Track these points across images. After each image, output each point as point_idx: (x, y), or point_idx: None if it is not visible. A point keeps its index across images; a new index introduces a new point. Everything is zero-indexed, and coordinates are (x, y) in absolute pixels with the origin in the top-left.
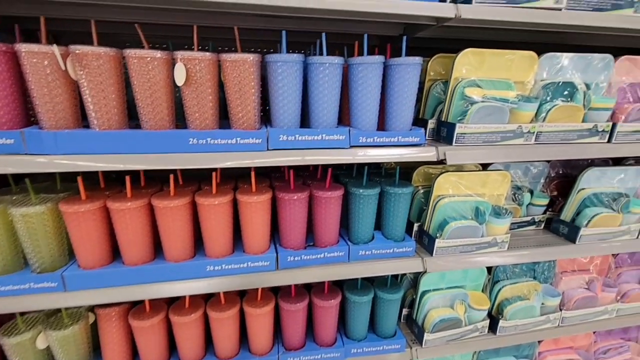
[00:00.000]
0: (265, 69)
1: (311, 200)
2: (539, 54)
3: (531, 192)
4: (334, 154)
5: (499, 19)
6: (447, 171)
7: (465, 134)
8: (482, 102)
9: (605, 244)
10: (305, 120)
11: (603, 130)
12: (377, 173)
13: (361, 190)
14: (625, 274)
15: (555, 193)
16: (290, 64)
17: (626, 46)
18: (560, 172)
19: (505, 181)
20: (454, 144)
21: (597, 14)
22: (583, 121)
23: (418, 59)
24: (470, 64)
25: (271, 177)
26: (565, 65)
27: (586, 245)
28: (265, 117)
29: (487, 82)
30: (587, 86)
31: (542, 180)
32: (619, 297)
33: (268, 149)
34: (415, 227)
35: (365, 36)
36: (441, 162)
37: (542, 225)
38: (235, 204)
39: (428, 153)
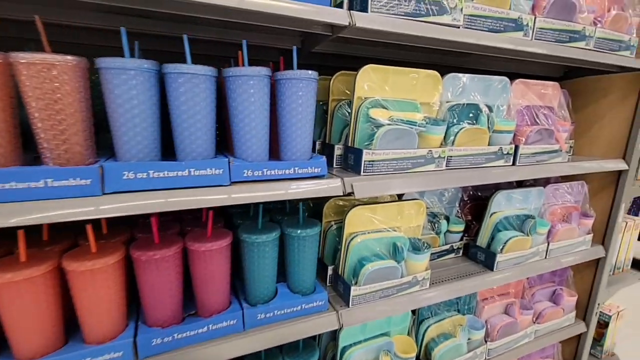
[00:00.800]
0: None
1: (188, 255)
2: (443, 75)
3: (447, 218)
4: (209, 193)
5: (396, 30)
6: (358, 204)
7: (374, 161)
8: (389, 124)
9: (521, 268)
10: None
11: (508, 153)
12: (280, 209)
13: (254, 237)
14: (538, 293)
15: (469, 217)
16: (134, 72)
17: (521, 72)
18: (472, 194)
19: (421, 211)
20: (362, 173)
21: (492, 34)
22: (489, 144)
23: (312, 73)
24: (372, 82)
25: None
26: (468, 86)
27: (504, 272)
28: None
29: (393, 102)
30: (489, 108)
31: (457, 205)
32: (535, 318)
33: (104, 193)
34: (330, 270)
35: (244, 43)
36: (350, 194)
37: (461, 252)
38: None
39: (332, 185)
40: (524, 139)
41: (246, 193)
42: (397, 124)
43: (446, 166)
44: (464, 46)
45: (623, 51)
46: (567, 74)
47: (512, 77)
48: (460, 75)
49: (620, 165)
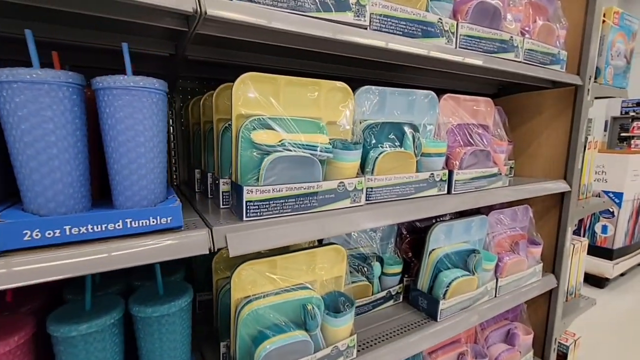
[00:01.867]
0: None
1: None
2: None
3: (381, 259)
4: None
5: (268, 24)
6: (251, 259)
7: (260, 201)
8: (278, 151)
9: (469, 313)
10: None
11: (441, 180)
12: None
13: (66, 329)
14: (492, 335)
15: (409, 254)
16: (47, 87)
17: (453, 88)
18: (410, 227)
19: (340, 257)
20: (244, 218)
21: (408, 39)
22: (417, 170)
23: (150, 81)
24: (257, 96)
25: None
26: (388, 101)
27: (450, 320)
28: None
29: (288, 122)
30: (415, 128)
31: (392, 241)
32: None
33: None
34: (223, 348)
35: (125, 46)
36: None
37: (401, 296)
38: None
39: (190, 241)
40: (457, 163)
41: (27, 266)
42: (289, 150)
43: (366, 200)
44: (372, 52)
45: (554, 65)
46: (502, 90)
47: (443, 93)
48: (376, 88)
49: (562, 186)
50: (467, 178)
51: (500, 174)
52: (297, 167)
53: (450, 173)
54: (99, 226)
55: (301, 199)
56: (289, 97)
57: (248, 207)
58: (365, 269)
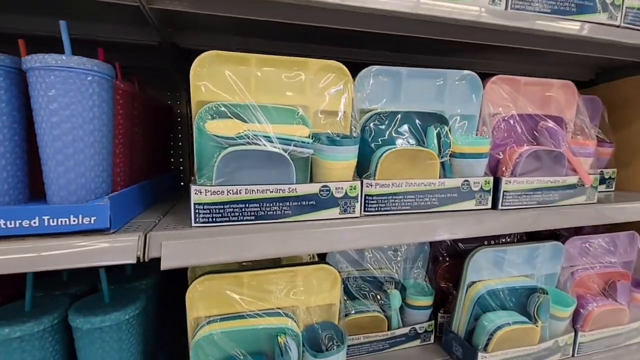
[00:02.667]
0: None
1: None
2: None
3: (403, 287)
4: None
5: None
6: (215, 271)
7: (212, 204)
8: (235, 145)
9: None
10: None
11: (481, 190)
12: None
13: None
14: None
15: (447, 283)
16: None
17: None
18: (449, 246)
19: (332, 280)
20: (193, 223)
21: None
22: (443, 176)
23: (80, 61)
24: (217, 77)
25: None
26: (405, 88)
27: None
28: None
29: (264, 110)
30: (442, 120)
31: (422, 264)
32: None
33: None
34: None
35: (63, 25)
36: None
37: (432, 336)
38: None
39: (116, 245)
40: (509, 167)
41: None
42: (252, 144)
43: (364, 211)
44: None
45: None
46: (600, 76)
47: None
48: (386, 68)
49: None
50: (524, 189)
51: (583, 185)
52: (264, 165)
53: (497, 181)
54: (12, 222)
55: (268, 204)
56: (264, 81)
57: (197, 211)
58: (380, 298)
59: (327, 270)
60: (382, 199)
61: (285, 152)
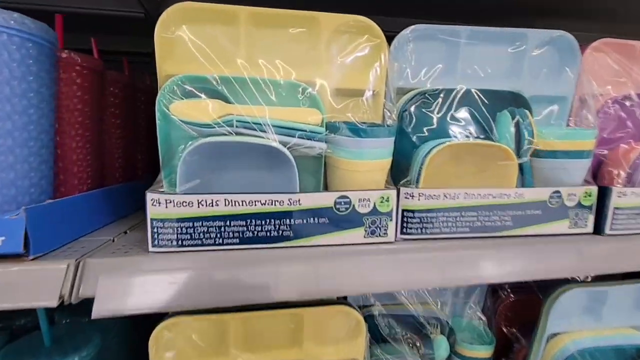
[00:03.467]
0: None
1: None
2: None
3: (451, 330)
4: None
5: None
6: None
7: (177, 220)
8: (211, 134)
9: None
10: None
11: (579, 205)
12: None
13: None
14: None
15: (511, 327)
16: None
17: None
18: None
19: (353, 327)
20: (150, 247)
21: None
22: (523, 184)
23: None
24: (193, 41)
25: None
26: (463, 57)
27: None
28: None
29: (252, 84)
30: (520, 102)
31: (477, 300)
32: None
33: None
34: None
35: None
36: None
37: None
38: None
39: (30, 278)
40: (622, 172)
41: None
42: (238, 134)
43: (401, 234)
44: None
45: None
46: None
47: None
48: (438, 28)
49: None
50: None
51: None
52: (255, 165)
53: (604, 192)
54: None
55: (259, 222)
56: (259, 46)
57: (155, 230)
58: (419, 345)
59: (347, 313)
60: (428, 217)
61: (285, 146)
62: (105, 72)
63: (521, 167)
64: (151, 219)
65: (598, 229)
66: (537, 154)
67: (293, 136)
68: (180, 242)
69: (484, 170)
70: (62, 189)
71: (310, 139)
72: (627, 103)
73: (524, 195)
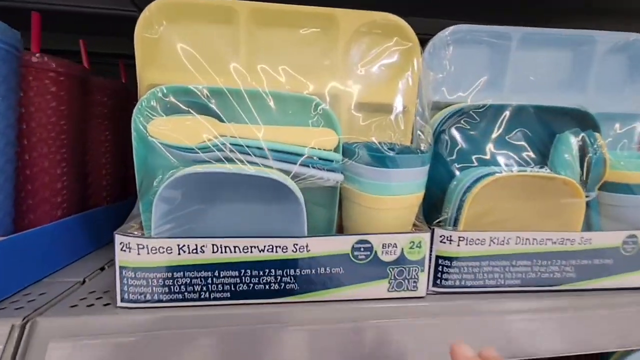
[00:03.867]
0: None
1: None
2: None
3: None
4: None
5: None
6: None
7: (151, 269)
8: (205, 163)
9: None
10: None
11: None
12: None
13: None
14: None
15: None
16: None
17: None
18: None
19: None
20: (119, 302)
21: None
22: (589, 227)
23: None
24: (182, 45)
25: None
26: (514, 64)
27: None
28: None
29: (250, 98)
30: (588, 121)
31: None
32: None
33: None
34: None
35: None
36: None
37: None
38: None
39: None
40: None
41: None
42: (229, 160)
43: (434, 285)
44: None
45: None
46: None
47: None
48: (484, 30)
49: None
50: None
51: None
52: (251, 200)
53: None
54: None
55: (255, 272)
56: (262, 50)
57: (126, 281)
58: None
59: None
60: (471, 267)
61: (290, 176)
62: (89, 79)
63: (588, 204)
64: (120, 267)
65: None
66: (606, 187)
67: (293, 162)
68: (156, 297)
69: (540, 210)
70: (31, 217)
71: (322, 168)
72: None
73: (592, 240)
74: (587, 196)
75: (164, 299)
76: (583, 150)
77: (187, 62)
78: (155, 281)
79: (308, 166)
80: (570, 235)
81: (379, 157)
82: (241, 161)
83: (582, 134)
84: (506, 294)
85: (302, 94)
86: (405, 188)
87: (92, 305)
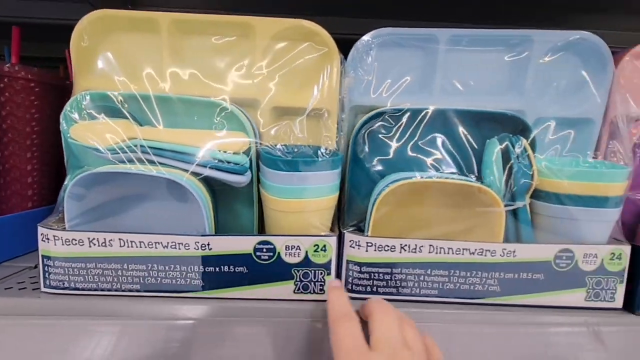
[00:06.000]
0: None
1: None
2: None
3: None
4: None
5: None
6: None
7: (66, 259)
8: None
9: None
10: None
11: (602, 270)
12: None
13: None
14: None
15: None
16: None
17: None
18: None
19: None
20: (43, 287)
21: None
22: (518, 239)
23: None
24: (113, 53)
25: None
26: (441, 65)
27: None
28: None
29: (161, 102)
30: (517, 125)
31: None
32: None
33: None
34: None
35: None
36: None
37: None
38: None
39: None
40: None
41: None
42: (140, 161)
43: (353, 289)
44: None
45: None
46: None
47: None
48: (410, 33)
49: None
50: None
51: None
52: (160, 199)
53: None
54: None
55: (162, 267)
56: (185, 57)
57: (46, 269)
58: None
59: None
60: (380, 273)
61: (202, 177)
62: (65, 85)
63: (515, 214)
64: (42, 256)
65: (629, 306)
66: (539, 195)
67: (189, 162)
68: (73, 285)
69: (465, 218)
70: (3, 207)
71: (229, 171)
72: None
73: (516, 252)
74: (509, 205)
75: (80, 287)
76: (507, 156)
77: (118, 70)
78: (71, 270)
79: (205, 167)
80: (490, 246)
81: (276, 160)
82: (152, 162)
83: (508, 140)
84: (422, 303)
85: (208, 99)
86: (309, 191)
87: (24, 288)
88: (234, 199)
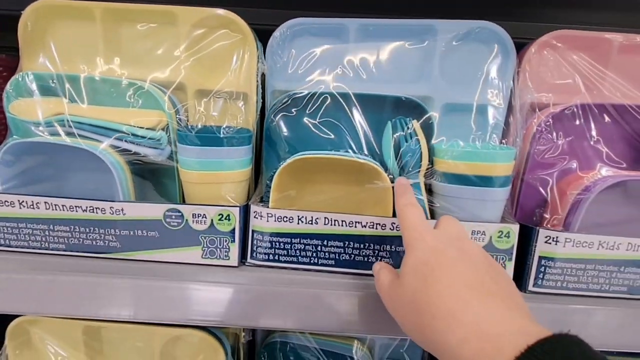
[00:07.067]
0: None
1: None
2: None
3: None
4: None
5: None
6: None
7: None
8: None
9: None
10: None
11: (491, 247)
12: None
13: None
14: None
15: None
16: None
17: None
18: None
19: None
20: None
21: None
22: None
23: None
24: (56, 40)
25: None
26: (351, 53)
27: None
28: None
29: (87, 83)
30: (414, 108)
31: None
32: None
33: None
34: None
35: None
36: None
37: None
38: None
39: None
40: (562, 210)
41: None
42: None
43: (250, 259)
44: None
45: None
46: None
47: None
48: (321, 23)
49: None
50: (588, 257)
51: None
52: (80, 169)
53: (529, 233)
54: None
55: (83, 229)
56: (119, 44)
57: None
58: None
59: (209, 344)
60: (281, 242)
61: (120, 150)
62: None
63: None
64: None
65: (518, 284)
66: (436, 176)
67: (107, 136)
68: (14, 243)
69: (361, 195)
70: None
71: (144, 145)
72: (579, 119)
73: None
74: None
75: (16, 245)
76: (400, 134)
77: (56, 54)
78: (7, 229)
79: (122, 140)
80: (375, 219)
81: (184, 136)
82: (82, 136)
83: (399, 122)
84: (320, 274)
85: (127, 80)
86: (213, 165)
87: None
88: (162, 175)
